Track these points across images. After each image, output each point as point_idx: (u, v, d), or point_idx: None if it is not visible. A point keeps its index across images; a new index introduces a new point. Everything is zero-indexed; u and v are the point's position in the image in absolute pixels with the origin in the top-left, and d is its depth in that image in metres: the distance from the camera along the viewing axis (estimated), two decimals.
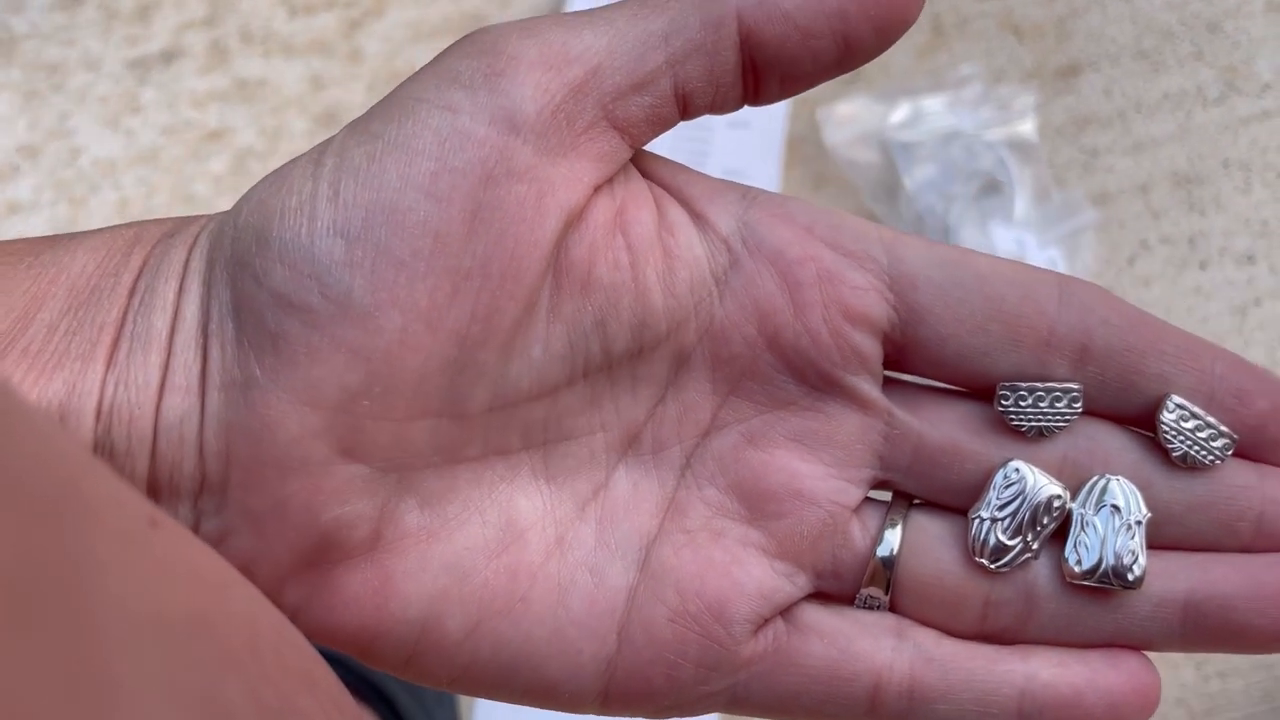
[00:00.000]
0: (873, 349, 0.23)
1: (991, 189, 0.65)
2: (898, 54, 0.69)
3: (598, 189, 0.22)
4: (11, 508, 0.12)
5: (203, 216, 0.23)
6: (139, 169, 0.67)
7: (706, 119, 0.68)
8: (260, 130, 0.67)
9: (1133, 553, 0.22)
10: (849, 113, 0.66)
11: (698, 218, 0.23)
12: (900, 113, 0.66)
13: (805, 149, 0.67)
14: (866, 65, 0.76)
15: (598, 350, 0.23)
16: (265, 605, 0.17)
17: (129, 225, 0.23)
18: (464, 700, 0.61)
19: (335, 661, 0.48)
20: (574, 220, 0.22)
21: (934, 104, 0.66)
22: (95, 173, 0.67)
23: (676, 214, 0.23)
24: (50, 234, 0.23)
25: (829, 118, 0.66)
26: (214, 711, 0.14)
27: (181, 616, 0.15)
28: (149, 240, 0.23)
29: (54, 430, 0.15)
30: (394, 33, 0.69)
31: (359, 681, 0.48)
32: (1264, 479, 0.22)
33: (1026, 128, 0.66)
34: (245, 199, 0.22)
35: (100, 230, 0.23)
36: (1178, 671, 0.62)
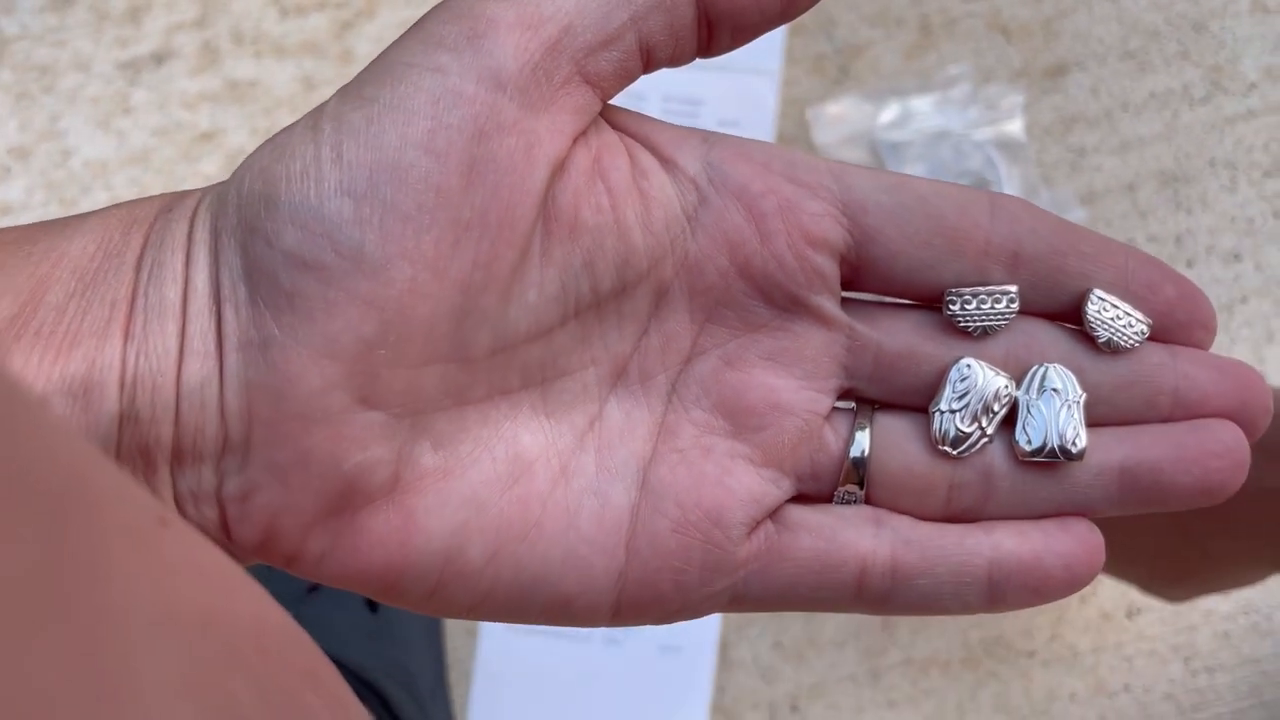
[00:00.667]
0: (832, 270, 0.25)
1: (980, 188, 0.65)
2: (886, 54, 0.69)
3: (575, 140, 0.24)
4: (25, 506, 0.12)
5: (195, 190, 0.24)
6: (130, 170, 0.67)
7: (697, 120, 0.68)
8: (252, 131, 0.67)
9: (1074, 429, 0.25)
10: (838, 112, 0.66)
11: (666, 162, 0.25)
12: (889, 112, 0.66)
13: (795, 148, 0.68)
14: (855, 64, 0.76)
15: (587, 290, 0.24)
16: (271, 603, 0.18)
17: (120, 206, 0.24)
18: (459, 700, 0.61)
19: (332, 660, 0.48)
20: (558, 170, 0.24)
21: (922, 104, 0.66)
22: (86, 174, 0.67)
23: (647, 159, 0.25)
24: (40, 221, 0.24)
25: (818, 117, 0.66)
26: (224, 709, 0.14)
27: (191, 615, 0.15)
28: (145, 218, 0.24)
29: (63, 428, 0.15)
30: (385, 33, 0.69)
31: (354, 681, 0.48)
32: (1176, 357, 0.25)
33: (1014, 127, 0.66)
34: (245, 168, 0.23)
35: (94, 213, 0.24)
36: (1166, 667, 0.63)
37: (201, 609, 0.15)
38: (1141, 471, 0.25)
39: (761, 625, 0.64)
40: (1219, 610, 0.63)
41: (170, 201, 0.24)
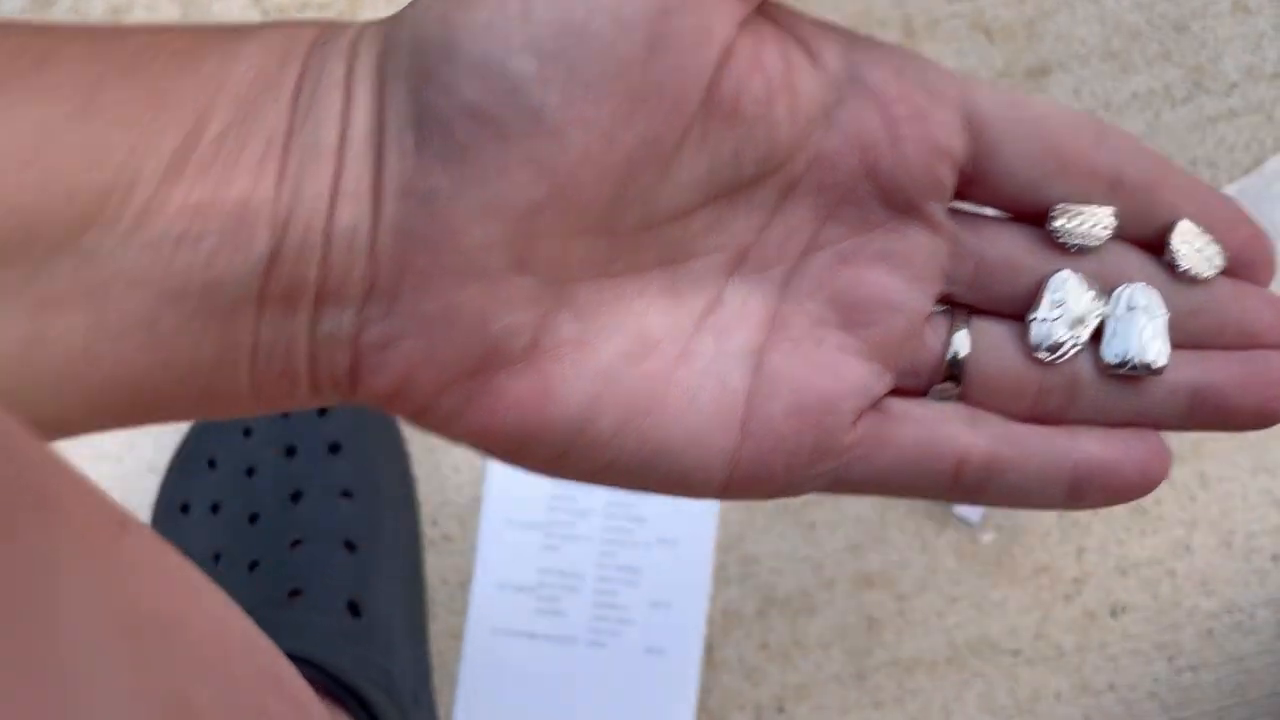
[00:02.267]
0: (951, 179, 0.26)
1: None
2: None
3: (740, 26, 0.24)
4: None
5: (348, 26, 0.24)
6: None
7: None
8: None
9: (1157, 346, 0.26)
10: None
11: (813, 58, 0.25)
12: None
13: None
14: None
15: (729, 178, 0.25)
16: (232, 608, 0.18)
17: (276, 29, 0.24)
18: (443, 703, 0.61)
19: (312, 664, 0.47)
20: (725, 55, 0.24)
21: None
22: None
23: (796, 54, 0.25)
24: (206, 30, 0.23)
25: None
26: (181, 712, 0.14)
27: (149, 619, 0.15)
28: (299, 52, 0.23)
29: (18, 430, 0.15)
30: None
31: (334, 684, 0.48)
32: (1244, 291, 0.27)
33: None
34: (421, 10, 0.23)
35: (253, 33, 0.23)
36: (1150, 666, 0.63)
37: (160, 613, 0.15)
38: (1210, 393, 0.26)
39: (747, 627, 0.64)
40: (1203, 608, 0.64)
41: (321, 34, 0.23)
